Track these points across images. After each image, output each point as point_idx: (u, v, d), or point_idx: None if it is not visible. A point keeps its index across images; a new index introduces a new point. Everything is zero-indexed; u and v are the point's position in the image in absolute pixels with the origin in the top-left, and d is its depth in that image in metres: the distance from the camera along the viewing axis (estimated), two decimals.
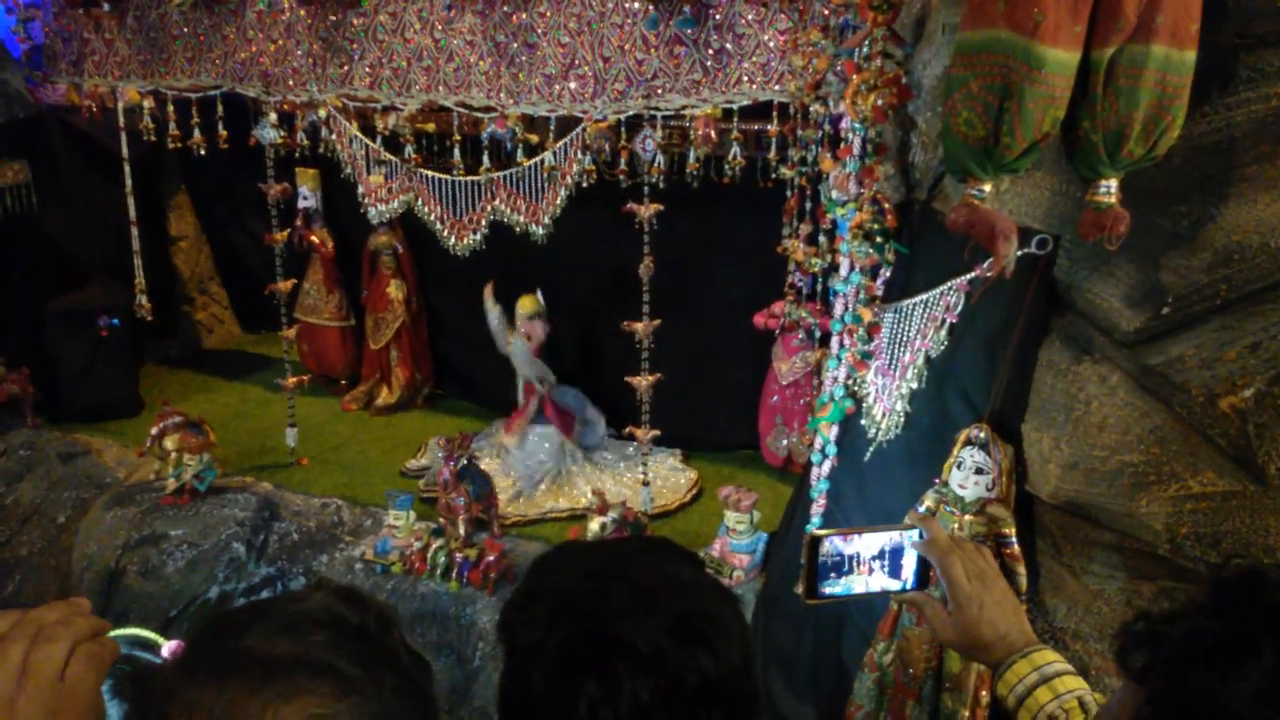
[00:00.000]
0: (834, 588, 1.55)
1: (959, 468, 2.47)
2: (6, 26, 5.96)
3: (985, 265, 2.32)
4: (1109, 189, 1.95)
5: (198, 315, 7.72)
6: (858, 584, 1.57)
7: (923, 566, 1.58)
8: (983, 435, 2.43)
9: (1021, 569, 2.42)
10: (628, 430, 4.87)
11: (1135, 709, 1.05)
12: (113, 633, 1.09)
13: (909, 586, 1.60)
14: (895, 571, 1.59)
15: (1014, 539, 2.42)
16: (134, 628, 1.54)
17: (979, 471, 2.44)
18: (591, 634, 1.13)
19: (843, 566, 1.55)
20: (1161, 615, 1.09)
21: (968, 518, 2.45)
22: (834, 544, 1.53)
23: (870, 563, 1.56)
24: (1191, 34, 1.82)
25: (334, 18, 4.75)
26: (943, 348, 2.66)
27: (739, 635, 1.21)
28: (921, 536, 1.57)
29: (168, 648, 1.47)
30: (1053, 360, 2.35)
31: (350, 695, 0.95)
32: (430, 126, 5.06)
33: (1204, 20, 1.86)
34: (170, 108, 5.47)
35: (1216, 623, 1.02)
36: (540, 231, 4.71)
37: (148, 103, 5.57)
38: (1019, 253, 2.07)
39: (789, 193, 4.26)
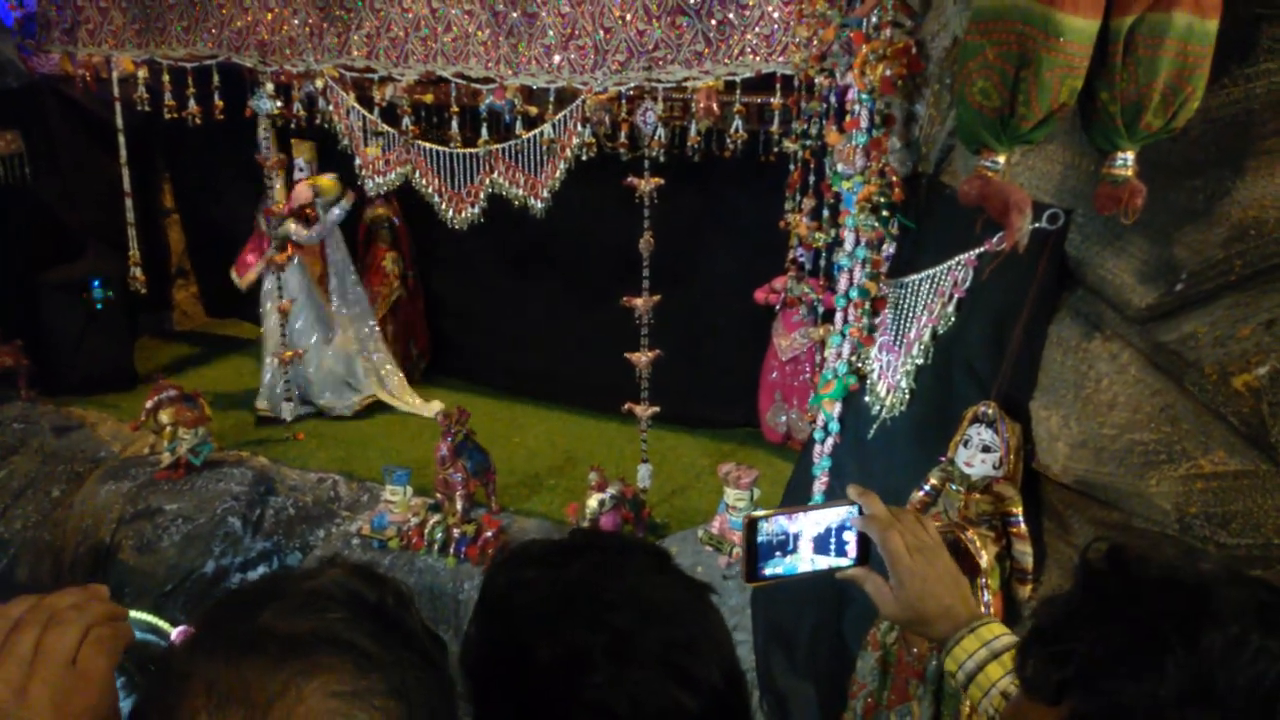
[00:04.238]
0: (776, 568, 1.52)
1: (966, 445, 2.44)
2: None
3: (996, 239, 2.29)
4: (1125, 161, 1.91)
5: (190, 289, 7.67)
6: (802, 563, 1.54)
7: (865, 542, 1.56)
8: (990, 413, 2.40)
9: (1028, 548, 2.40)
10: (626, 406, 4.84)
11: None
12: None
13: (854, 563, 1.57)
14: (841, 548, 1.56)
15: (1021, 518, 2.39)
16: (145, 613, 1.52)
17: (986, 449, 2.41)
18: (567, 700, 1.11)
19: (787, 545, 1.52)
20: (1051, 625, 1.05)
21: (974, 496, 2.42)
22: (778, 523, 1.51)
23: (815, 541, 1.54)
24: (1214, 2, 1.77)
25: None
26: (950, 324, 2.62)
27: (717, 650, 1.18)
28: (861, 512, 1.54)
29: (176, 633, 1.45)
30: (1062, 337, 2.32)
31: (371, 672, 0.93)
32: (428, 98, 5.01)
33: None
34: (166, 78, 5.40)
35: (1115, 627, 0.99)
36: (539, 205, 4.66)
37: (142, 72, 5.50)
38: (1031, 227, 2.03)
39: (792, 166, 4.22)
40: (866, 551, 1.56)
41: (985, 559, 2.43)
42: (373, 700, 0.92)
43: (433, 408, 6.13)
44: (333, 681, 0.90)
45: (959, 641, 1.48)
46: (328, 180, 5.78)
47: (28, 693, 0.94)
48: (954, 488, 2.49)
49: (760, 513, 1.50)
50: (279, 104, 5.20)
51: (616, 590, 1.18)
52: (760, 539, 1.50)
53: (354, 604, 0.98)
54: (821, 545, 1.55)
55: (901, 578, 1.48)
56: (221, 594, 1.04)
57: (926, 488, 2.57)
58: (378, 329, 6.35)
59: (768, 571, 1.52)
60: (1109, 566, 1.04)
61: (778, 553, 1.52)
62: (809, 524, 1.53)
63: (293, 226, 5.76)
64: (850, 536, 1.56)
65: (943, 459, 2.53)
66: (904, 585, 1.48)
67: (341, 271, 6.23)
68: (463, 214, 4.88)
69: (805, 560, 1.54)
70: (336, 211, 5.88)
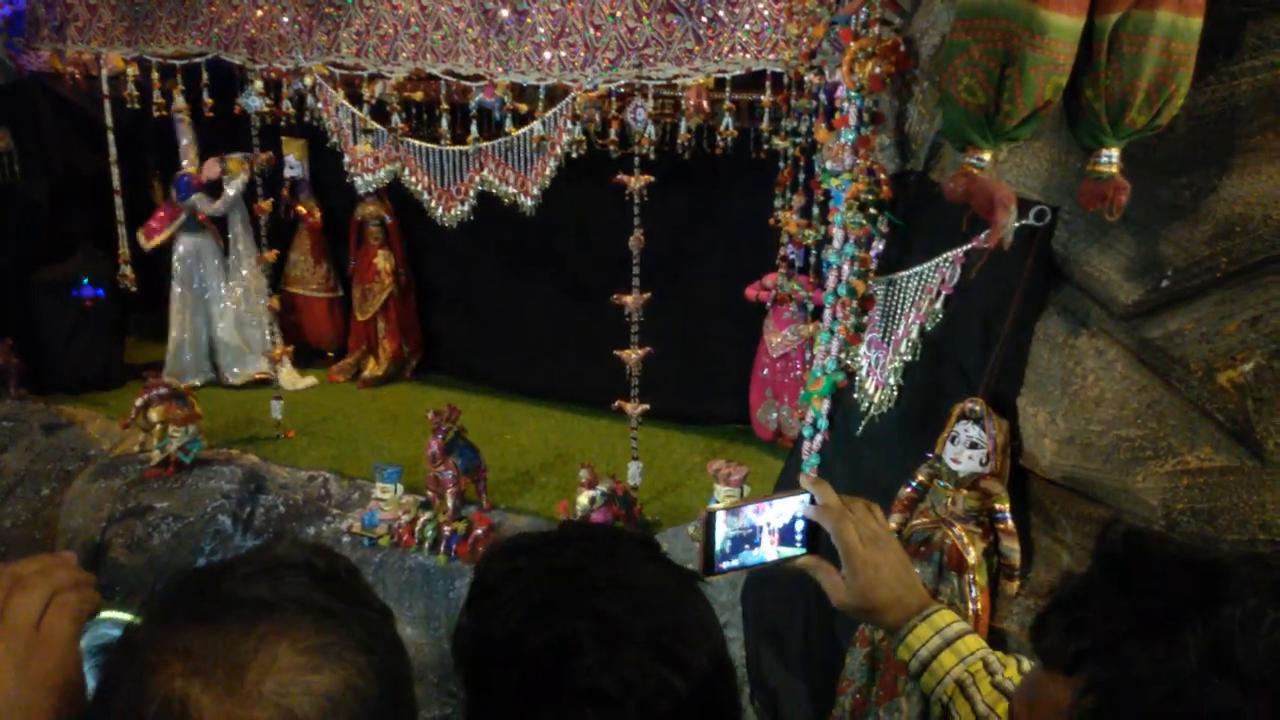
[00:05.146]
0: (733, 560, 1.53)
1: (953, 442, 2.44)
2: None
3: (982, 236, 2.29)
4: (1110, 158, 1.91)
5: None
6: (757, 554, 1.55)
7: (814, 530, 1.56)
8: (977, 409, 2.41)
9: (1015, 544, 2.40)
10: (616, 404, 4.84)
11: (1075, 699, 1.01)
12: (101, 613, 1.09)
13: (804, 552, 1.58)
14: (794, 539, 1.57)
15: (1008, 514, 2.39)
16: (125, 612, 1.52)
17: (973, 446, 2.41)
18: (557, 685, 1.11)
19: (754, 538, 1.53)
20: (1070, 597, 1.06)
21: (962, 492, 2.43)
22: (738, 515, 1.51)
23: (770, 531, 1.54)
24: (1198, 0, 1.78)
25: None
26: (938, 320, 2.63)
27: (707, 638, 1.18)
28: (813, 501, 1.55)
29: None
30: (1049, 333, 2.32)
31: (336, 629, 0.97)
32: (418, 95, 5.01)
33: None
34: (155, 75, 5.39)
35: (1132, 601, 1.00)
36: (529, 203, 4.66)
37: (132, 70, 5.48)
38: (1017, 224, 2.04)
39: (782, 164, 4.22)
40: (816, 540, 1.57)
41: (973, 555, 2.43)
42: (341, 653, 0.96)
43: (308, 381, 6.59)
44: (301, 638, 0.94)
45: (912, 629, 1.48)
46: (236, 161, 6.13)
47: None
48: (941, 484, 2.49)
49: (718, 505, 1.51)
50: (268, 101, 5.19)
51: (607, 577, 1.19)
52: (719, 532, 1.50)
53: (309, 570, 1.02)
54: (777, 536, 1.55)
55: (854, 567, 1.48)
56: (174, 576, 1.07)
57: (914, 484, 2.58)
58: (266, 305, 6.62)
59: (724, 565, 1.52)
60: (1126, 547, 1.05)
61: (746, 545, 1.53)
62: (764, 515, 1.54)
63: (203, 197, 6.22)
64: (802, 525, 1.56)
65: (930, 455, 2.54)
66: (856, 574, 1.48)
67: (241, 248, 6.55)
68: (452, 211, 4.88)
69: (760, 551, 1.55)
70: (231, 192, 6.18)
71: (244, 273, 6.55)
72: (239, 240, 6.53)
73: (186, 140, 6.16)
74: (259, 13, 4.89)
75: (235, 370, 6.55)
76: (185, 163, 6.20)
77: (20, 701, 0.95)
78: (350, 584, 1.05)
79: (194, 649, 0.92)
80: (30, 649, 0.97)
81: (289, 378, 6.52)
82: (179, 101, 5.74)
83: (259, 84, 5.12)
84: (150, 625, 0.96)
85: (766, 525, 1.54)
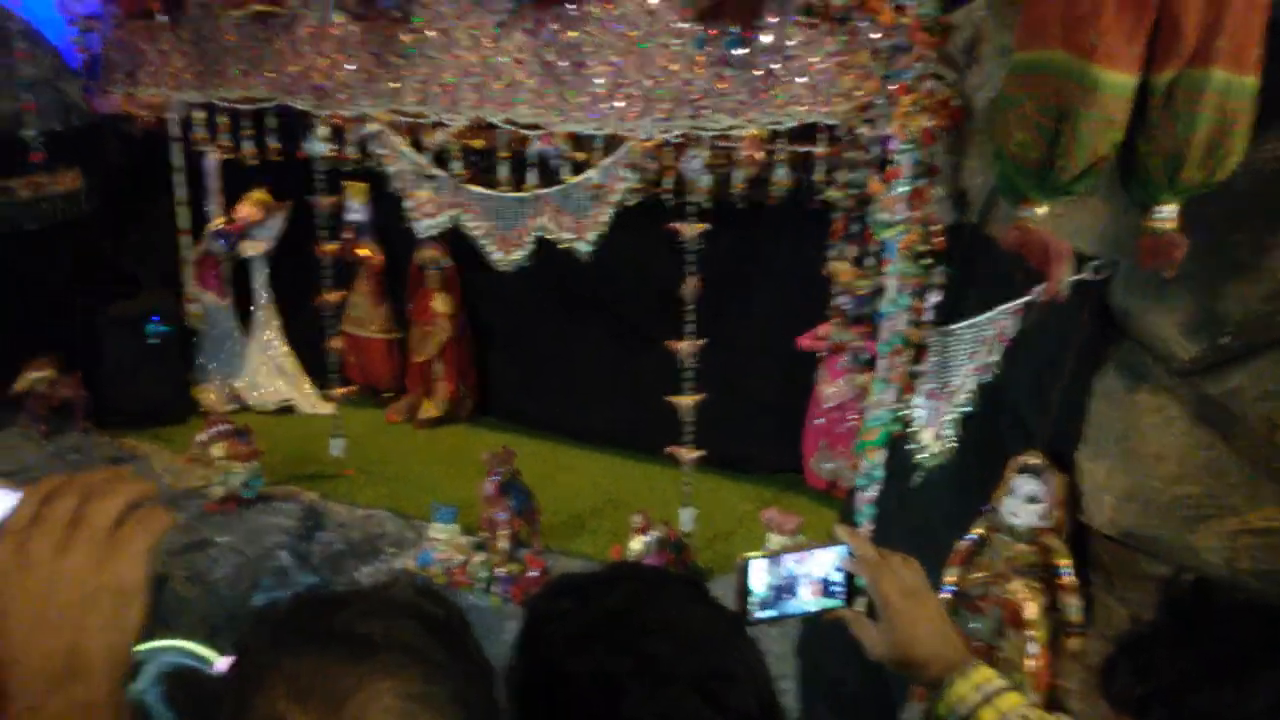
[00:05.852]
0: (769, 610, 1.52)
1: (1011, 495, 2.42)
2: (66, 37, 6.07)
3: (1039, 289, 2.28)
4: (1167, 214, 1.90)
5: None
6: (793, 604, 1.55)
7: (851, 582, 1.56)
8: (1036, 463, 2.38)
9: (1075, 600, 2.36)
10: (669, 450, 4.85)
11: None
12: (166, 642, 1.11)
13: (841, 604, 1.57)
14: (841, 590, 1.56)
15: (1067, 569, 2.36)
16: (190, 643, 1.56)
17: (1032, 500, 2.38)
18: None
19: (793, 588, 1.53)
20: (1139, 642, 1.07)
21: (1020, 546, 2.40)
22: (773, 564, 1.51)
23: (807, 582, 1.54)
24: (1253, 58, 1.77)
25: (385, 33, 4.79)
26: (995, 372, 2.62)
27: (754, 679, 1.19)
28: (850, 553, 1.54)
29: (220, 663, 1.48)
30: (1109, 389, 2.30)
31: (439, 680, 0.98)
32: (478, 142, 5.09)
33: (1266, 44, 1.81)
34: (223, 119, 5.54)
35: (1201, 646, 1.02)
36: (585, 249, 4.71)
37: (200, 114, 5.64)
38: (1074, 278, 2.03)
39: (835, 215, 4.23)
40: (852, 592, 1.57)
41: (1032, 610, 2.40)
42: (441, 705, 0.97)
43: (327, 408, 6.57)
44: (404, 684, 0.95)
45: (950, 685, 1.46)
46: (267, 196, 6.54)
47: (67, 550, 0.95)
48: (1000, 537, 2.46)
49: (754, 554, 1.51)
50: (332, 147, 5.30)
51: (654, 618, 1.20)
52: (756, 580, 1.50)
53: (423, 617, 1.03)
54: (818, 586, 1.55)
55: (891, 620, 1.48)
56: (298, 594, 1.09)
57: (972, 537, 2.55)
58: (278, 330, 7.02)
59: (760, 614, 1.52)
60: (1195, 594, 1.06)
61: (777, 594, 1.53)
62: (805, 565, 1.54)
63: (248, 244, 6.68)
64: (839, 577, 1.56)
65: (986, 508, 2.52)
66: (893, 628, 1.47)
67: (265, 296, 6.95)
68: (511, 256, 4.95)
69: (799, 601, 1.55)
70: (271, 231, 6.67)
71: (263, 305, 6.94)
72: (263, 289, 6.93)
73: (215, 188, 6.55)
74: (325, 61, 5.01)
75: (264, 398, 6.89)
76: (216, 219, 6.60)
77: (87, 600, 0.95)
78: (460, 636, 1.06)
79: (300, 675, 0.94)
80: (106, 552, 0.97)
81: (308, 402, 6.82)
82: (210, 152, 6.06)
83: (324, 129, 5.23)
84: (267, 643, 0.99)
85: (806, 575, 1.54)
